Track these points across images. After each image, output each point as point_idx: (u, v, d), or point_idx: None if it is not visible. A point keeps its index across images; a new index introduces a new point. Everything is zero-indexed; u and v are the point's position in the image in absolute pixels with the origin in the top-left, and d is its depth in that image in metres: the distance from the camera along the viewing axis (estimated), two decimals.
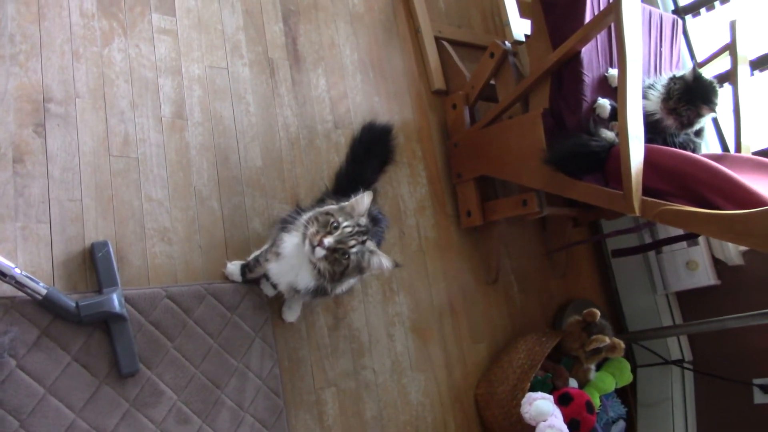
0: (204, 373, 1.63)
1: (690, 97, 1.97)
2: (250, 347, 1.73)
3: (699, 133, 2.11)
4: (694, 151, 2.05)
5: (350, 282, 1.58)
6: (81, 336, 1.47)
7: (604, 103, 2.03)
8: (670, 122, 2.02)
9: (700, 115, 2.00)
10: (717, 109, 2.00)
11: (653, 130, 2.01)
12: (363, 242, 1.48)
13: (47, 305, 1.41)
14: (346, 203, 1.52)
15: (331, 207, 1.52)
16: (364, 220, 1.51)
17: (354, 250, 1.46)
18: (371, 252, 1.50)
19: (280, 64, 2.09)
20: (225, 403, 1.65)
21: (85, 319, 1.44)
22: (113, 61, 1.74)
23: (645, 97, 2.01)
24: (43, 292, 1.39)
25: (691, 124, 2.01)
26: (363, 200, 1.51)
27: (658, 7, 2.73)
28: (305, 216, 1.52)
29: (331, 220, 1.47)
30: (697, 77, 1.99)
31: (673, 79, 2.04)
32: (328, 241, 1.44)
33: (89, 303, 1.45)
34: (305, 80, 2.14)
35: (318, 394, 1.85)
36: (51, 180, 1.55)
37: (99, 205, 1.61)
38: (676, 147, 1.99)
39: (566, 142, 1.98)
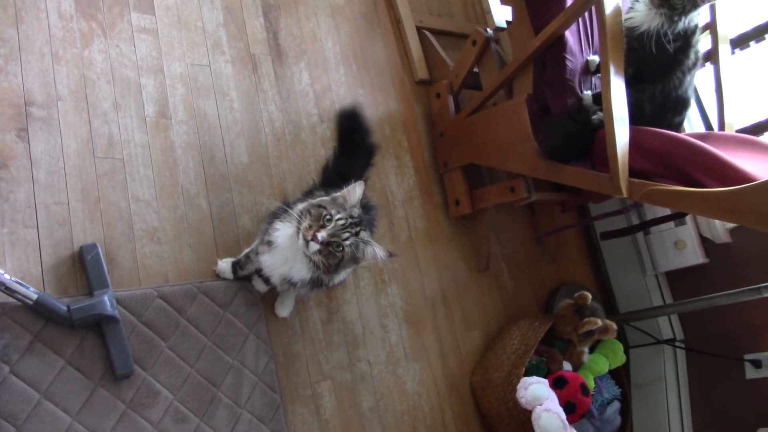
0: (199, 371, 1.63)
1: None
2: (244, 344, 1.73)
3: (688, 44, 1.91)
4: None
5: (347, 271, 1.58)
6: (74, 339, 1.46)
7: (588, 94, 2.04)
8: (657, 21, 1.84)
9: (696, 5, 1.80)
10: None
11: (641, 42, 1.88)
12: (357, 233, 1.48)
13: (38, 310, 1.40)
14: (338, 194, 1.52)
15: (323, 199, 1.51)
16: (356, 211, 1.50)
17: (348, 242, 1.46)
18: (365, 242, 1.50)
19: (262, 59, 2.08)
20: (222, 400, 1.65)
21: (77, 323, 1.43)
22: (94, 63, 1.72)
23: (632, 9, 1.92)
24: (34, 297, 1.38)
25: (684, 13, 1.82)
26: (355, 190, 1.50)
27: None
28: (299, 207, 1.51)
29: (324, 213, 1.46)
30: None
31: None
32: (322, 235, 1.43)
33: (81, 306, 1.44)
34: (288, 75, 2.13)
35: (314, 388, 1.85)
36: (36, 184, 1.54)
37: (86, 207, 1.60)
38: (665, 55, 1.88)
39: (557, 133, 1.98)
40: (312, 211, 1.48)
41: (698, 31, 1.93)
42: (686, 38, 1.90)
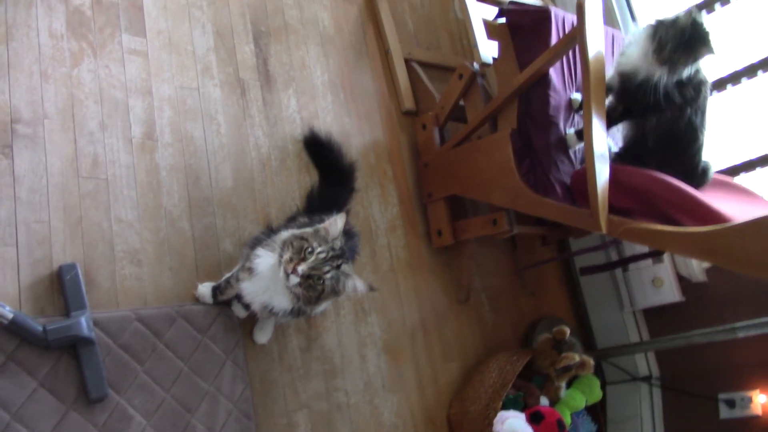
0: (174, 397, 1.61)
1: (688, 43, 1.78)
2: (221, 370, 1.71)
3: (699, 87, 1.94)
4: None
5: (328, 302, 1.58)
6: (48, 361, 1.44)
7: (571, 132, 2.08)
8: (658, 73, 1.84)
9: (696, 60, 1.82)
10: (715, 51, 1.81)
11: (638, 92, 1.90)
12: (338, 266, 1.48)
13: (13, 329, 1.38)
14: (321, 226, 1.52)
15: (305, 231, 1.51)
16: (338, 243, 1.50)
17: (328, 275, 1.46)
18: (346, 275, 1.50)
19: (251, 84, 2.10)
20: (196, 427, 1.62)
21: (52, 344, 1.41)
22: (82, 82, 1.72)
23: (624, 54, 1.94)
24: (10, 316, 1.36)
25: (686, 65, 1.82)
26: (336, 223, 1.51)
27: (620, 28, 2.81)
28: (283, 235, 1.52)
29: (305, 245, 1.46)
30: (695, 23, 1.77)
31: (660, 25, 1.83)
32: (302, 268, 1.43)
33: (57, 327, 1.42)
34: (276, 101, 2.15)
35: (290, 417, 1.83)
36: (18, 202, 1.52)
37: (67, 227, 1.58)
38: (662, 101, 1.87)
39: None
40: (294, 243, 1.48)
41: (697, 71, 1.91)
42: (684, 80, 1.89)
